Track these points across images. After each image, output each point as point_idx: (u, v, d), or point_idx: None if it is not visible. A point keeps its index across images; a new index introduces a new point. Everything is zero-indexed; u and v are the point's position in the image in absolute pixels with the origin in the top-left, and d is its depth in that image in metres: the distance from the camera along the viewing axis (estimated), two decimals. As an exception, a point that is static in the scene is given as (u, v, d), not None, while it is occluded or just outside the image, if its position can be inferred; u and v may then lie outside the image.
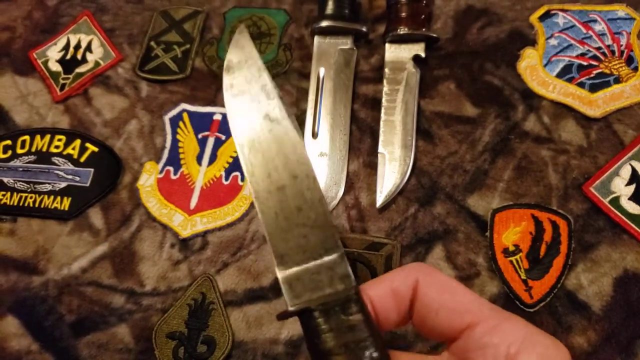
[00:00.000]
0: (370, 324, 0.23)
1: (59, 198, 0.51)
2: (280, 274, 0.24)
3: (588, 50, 0.52)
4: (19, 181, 0.53)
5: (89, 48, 0.60)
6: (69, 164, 0.53)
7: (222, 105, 0.55)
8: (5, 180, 0.53)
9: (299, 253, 0.24)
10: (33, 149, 0.54)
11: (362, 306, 0.24)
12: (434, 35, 0.53)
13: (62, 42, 0.61)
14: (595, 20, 0.53)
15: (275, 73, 0.55)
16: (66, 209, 0.51)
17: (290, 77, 0.55)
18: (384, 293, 0.25)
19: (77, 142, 0.54)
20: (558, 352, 0.23)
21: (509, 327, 0.23)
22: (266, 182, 0.25)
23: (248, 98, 0.26)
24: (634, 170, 0.45)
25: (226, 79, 0.27)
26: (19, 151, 0.55)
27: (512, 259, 0.43)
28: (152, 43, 0.59)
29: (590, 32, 0.53)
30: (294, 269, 0.24)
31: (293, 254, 0.24)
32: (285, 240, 0.24)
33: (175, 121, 0.54)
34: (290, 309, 0.24)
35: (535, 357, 0.22)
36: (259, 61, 0.27)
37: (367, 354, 0.23)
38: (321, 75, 0.53)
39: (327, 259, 0.24)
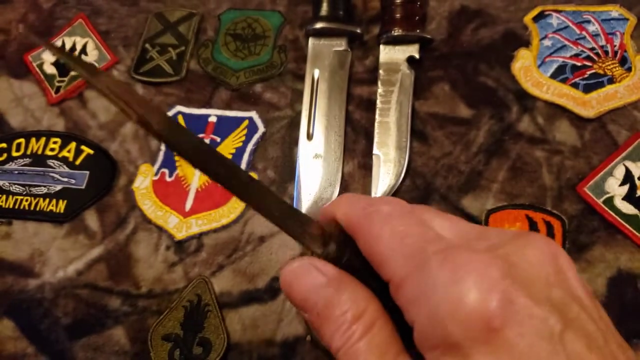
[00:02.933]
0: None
1: (54, 201, 0.51)
2: None
3: (582, 51, 0.52)
4: (15, 184, 0.53)
5: (84, 51, 0.60)
6: (65, 166, 0.53)
7: (217, 107, 0.55)
8: (0, 183, 0.53)
9: None
10: (28, 152, 0.54)
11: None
12: (428, 36, 0.53)
13: (57, 44, 0.61)
14: (589, 21, 0.53)
15: (270, 75, 0.55)
16: (62, 211, 0.51)
17: (285, 79, 0.55)
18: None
19: (73, 144, 0.54)
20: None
21: (410, 282, 0.20)
22: None
23: None
24: (627, 170, 0.46)
25: None
26: (14, 154, 0.55)
27: (507, 259, 0.44)
28: (147, 45, 0.59)
29: (584, 33, 0.53)
30: None
31: None
32: None
33: (170, 123, 0.54)
34: None
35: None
36: None
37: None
38: (316, 77, 0.53)
39: None
